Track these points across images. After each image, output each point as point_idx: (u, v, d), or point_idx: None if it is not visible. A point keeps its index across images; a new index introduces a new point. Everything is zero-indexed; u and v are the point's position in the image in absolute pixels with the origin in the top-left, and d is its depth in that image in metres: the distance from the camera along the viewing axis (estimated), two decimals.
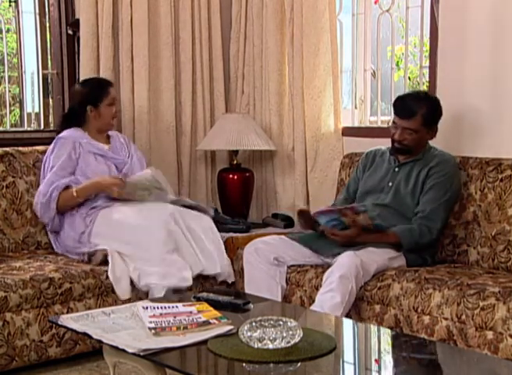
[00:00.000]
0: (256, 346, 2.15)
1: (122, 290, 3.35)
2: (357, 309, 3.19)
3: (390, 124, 3.51)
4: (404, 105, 3.41)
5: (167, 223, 3.46)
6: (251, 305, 2.72)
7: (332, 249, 3.35)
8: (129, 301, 3.26)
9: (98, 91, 3.74)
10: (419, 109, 3.36)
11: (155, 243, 3.40)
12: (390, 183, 3.52)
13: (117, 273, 3.37)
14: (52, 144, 3.72)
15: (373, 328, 2.79)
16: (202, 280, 3.61)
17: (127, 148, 3.88)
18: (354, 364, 2.32)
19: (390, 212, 3.46)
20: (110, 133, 3.88)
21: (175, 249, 3.44)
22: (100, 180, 3.62)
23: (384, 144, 3.66)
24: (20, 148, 3.83)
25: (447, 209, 3.43)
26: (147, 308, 2.52)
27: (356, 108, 4.44)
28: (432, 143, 3.59)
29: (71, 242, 3.60)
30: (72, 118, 3.78)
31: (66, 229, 3.63)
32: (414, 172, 3.47)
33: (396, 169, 3.53)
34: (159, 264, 3.38)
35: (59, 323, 2.52)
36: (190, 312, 2.49)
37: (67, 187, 3.59)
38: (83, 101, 3.74)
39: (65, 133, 3.73)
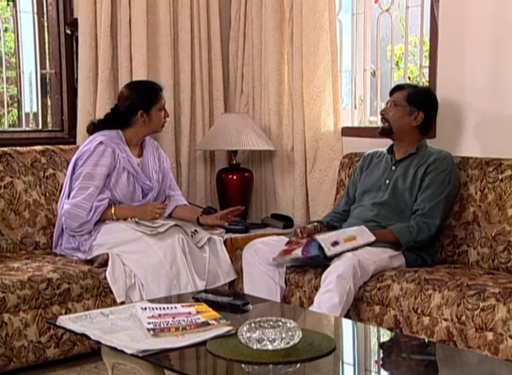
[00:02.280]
0: (255, 347, 2.14)
1: (119, 291, 3.33)
2: (356, 310, 3.18)
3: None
4: (397, 85, 3.64)
5: (175, 248, 3.43)
6: (250, 306, 2.71)
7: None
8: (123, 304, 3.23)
9: (150, 95, 3.66)
10: (408, 86, 3.58)
11: (159, 261, 3.38)
12: (388, 181, 3.52)
13: (115, 273, 3.36)
14: (91, 145, 3.56)
15: (373, 329, 2.79)
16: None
17: (158, 161, 3.79)
18: (354, 365, 2.31)
19: (388, 209, 3.46)
20: (146, 140, 3.77)
21: (177, 270, 3.41)
22: (141, 211, 3.58)
23: (383, 144, 3.65)
24: (18, 148, 3.81)
25: (446, 206, 3.42)
26: (145, 308, 2.50)
27: (355, 108, 4.43)
28: (431, 143, 3.60)
29: (69, 246, 3.59)
30: (114, 120, 3.67)
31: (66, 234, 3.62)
32: (411, 168, 3.47)
33: (393, 168, 3.54)
34: (161, 279, 3.36)
35: (57, 323, 2.50)
36: (189, 313, 2.47)
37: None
38: (134, 106, 3.63)
39: (104, 136, 3.59)
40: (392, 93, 3.56)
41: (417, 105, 3.48)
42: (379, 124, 3.66)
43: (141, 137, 3.73)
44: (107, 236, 3.49)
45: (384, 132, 3.56)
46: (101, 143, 3.56)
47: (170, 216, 3.78)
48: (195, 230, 3.63)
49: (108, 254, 3.43)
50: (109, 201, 3.57)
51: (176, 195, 3.86)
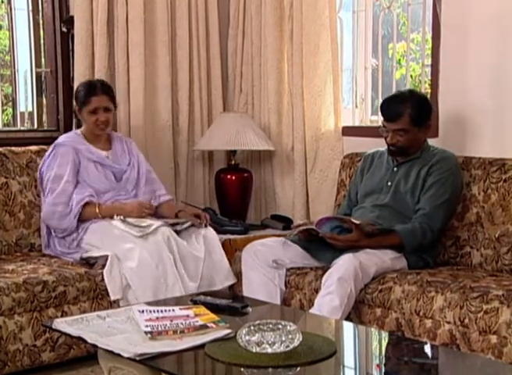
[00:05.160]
0: (254, 350, 2.13)
1: (115, 289, 3.30)
2: (357, 313, 3.16)
3: (381, 127, 3.48)
4: (390, 108, 3.41)
5: (161, 247, 3.38)
6: (250, 309, 2.70)
7: (330, 254, 3.31)
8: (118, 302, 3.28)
9: (82, 95, 3.64)
10: (405, 109, 3.35)
11: (144, 259, 3.34)
12: (389, 183, 3.49)
13: (112, 272, 3.33)
14: (51, 151, 3.60)
15: (374, 332, 2.78)
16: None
17: (129, 155, 3.77)
18: (355, 369, 2.31)
19: (390, 211, 3.44)
20: (114, 135, 3.78)
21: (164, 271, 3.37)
22: (127, 208, 3.56)
23: (384, 144, 3.60)
24: (13, 148, 3.79)
25: (449, 207, 3.38)
26: (143, 311, 2.49)
27: (356, 107, 4.42)
28: (434, 143, 3.57)
29: (62, 247, 3.58)
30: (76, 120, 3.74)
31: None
32: (413, 170, 3.44)
33: (395, 169, 3.51)
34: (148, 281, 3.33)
35: (53, 327, 2.49)
36: (187, 316, 2.46)
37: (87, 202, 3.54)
38: (76, 102, 3.68)
39: (63, 138, 3.65)
40: (391, 120, 3.38)
41: (423, 120, 3.40)
42: (380, 124, 3.58)
43: (96, 136, 3.69)
44: (94, 235, 3.48)
45: (398, 154, 3.46)
46: (58, 144, 3.61)
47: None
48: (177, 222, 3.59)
49: (108, 255, 3.38)
50: (92, 196, 3.54)
51: (159, 190, 3.82)
